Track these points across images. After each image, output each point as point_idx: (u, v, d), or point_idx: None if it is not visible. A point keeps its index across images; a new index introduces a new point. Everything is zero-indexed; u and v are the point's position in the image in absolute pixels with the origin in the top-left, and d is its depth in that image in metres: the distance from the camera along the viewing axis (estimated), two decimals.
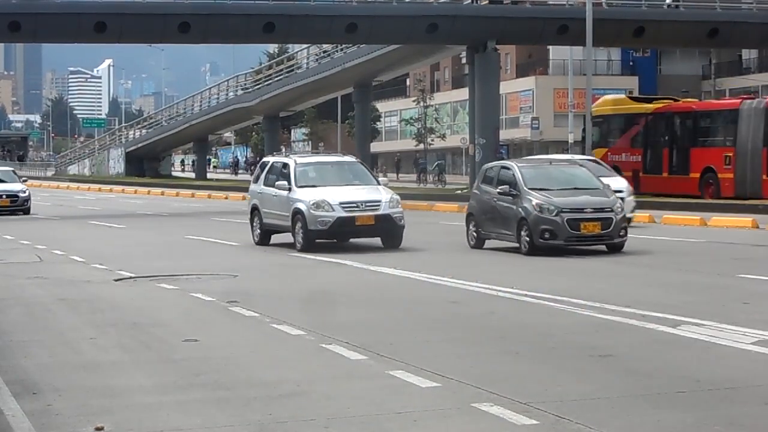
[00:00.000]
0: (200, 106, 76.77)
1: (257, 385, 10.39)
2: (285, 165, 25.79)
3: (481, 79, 49.74)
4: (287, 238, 25.53)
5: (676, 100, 46.53)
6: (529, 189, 22.59)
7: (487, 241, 24.37)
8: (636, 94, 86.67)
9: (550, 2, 55.25)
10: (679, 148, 43.30)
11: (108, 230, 33.55)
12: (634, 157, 45.09)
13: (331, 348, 12.19)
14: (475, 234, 24.34)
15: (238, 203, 52.90)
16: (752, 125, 39.72)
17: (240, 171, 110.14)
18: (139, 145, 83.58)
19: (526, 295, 16.38)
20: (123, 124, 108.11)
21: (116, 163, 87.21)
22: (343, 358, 11.66)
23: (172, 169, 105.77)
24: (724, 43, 58.48)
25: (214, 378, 10.74)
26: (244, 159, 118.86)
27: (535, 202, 22.22)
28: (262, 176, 26.68)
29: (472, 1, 50.84)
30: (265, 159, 28.41)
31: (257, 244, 26.19)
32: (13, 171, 48.55)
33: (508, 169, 23.71)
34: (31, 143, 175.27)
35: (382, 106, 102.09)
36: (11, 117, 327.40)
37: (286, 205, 24.73)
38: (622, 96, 50.84)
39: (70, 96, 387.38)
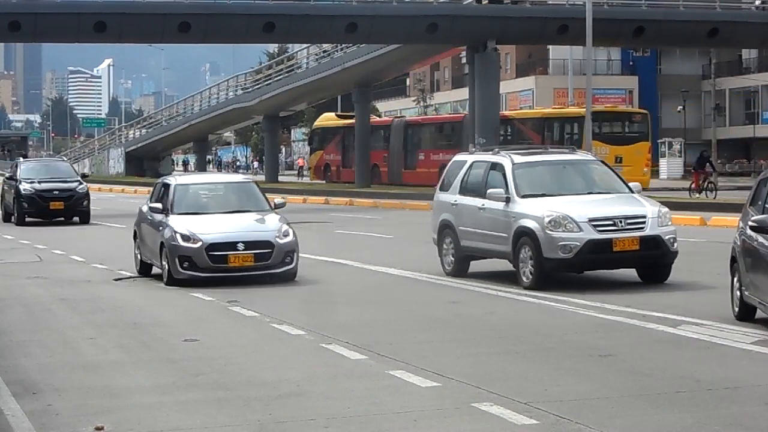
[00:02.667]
0: (200, 106, 76.66)
1: (257, 385, 10.40)
2: (495, 165, 18.62)
3: (481, 79, 49.70)
4: (491, 265, 19.07)
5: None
6: None
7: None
8: (636, 93, 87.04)
9: (550, 2, 55.20)
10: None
11: (108, 230, 33.54)
12: (337, 157, 65.90)
13: (331, 348, 12.20)
14: (738, 296, 13.49)
15: None
16: (397, 137, 60.49)
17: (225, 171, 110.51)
18: (139, 144, 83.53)
19: (526, 295, 16.38)
20: (123, 124, 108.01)
21: (116, 163, 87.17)
22: (343, 358, 11.67)
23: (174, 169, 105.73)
24: (724, 43, 58.48)
25: (214, 378, 10.75)
26: (232, 159, 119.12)
27: None
28: (457, 180, 19.57)
29: (475, 1, 50.79)
30: (457, 157, 20.57)
31: (449, 274, 19.12)
32: (255, 183, 21.08)
33: None
34: (31, 143, 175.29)
35: (382, 106, 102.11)
36: (11, 117, 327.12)
37: (503, 222, 17.83)
38: (332, 114, 70.16)
39: (70, 96, 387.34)
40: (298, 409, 9.37)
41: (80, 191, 36.13)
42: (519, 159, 18.52)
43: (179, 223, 18.62)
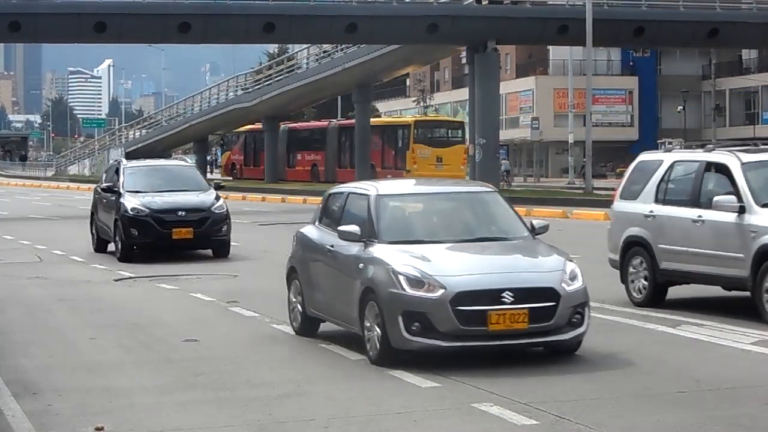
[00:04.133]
0: (200, 106, 76.66)
1: (257, 385, 10.40)
2: (713, 166, 14.52)
3: (481, 79, 49.71)
4: (685, 292, 15.68)
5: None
6: None
7: None
8: (636, 94, 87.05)
9: (550, 2, 55.23)
10: (256, 152, 74.64)
11: None
12: (240, 157, 77.82)
13: (331, 348, 12.20)
14: None
15: (238, 203, 52.89)
16: (282, 140, 70.55)
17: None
18: (139, 145, 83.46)
19: None
20: (123, 124, 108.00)
21: None
22: (343, 358, 11.67)
23: None
24: (724, 43, 58.49)
25: (214, 378, 10.75)
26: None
27: None
28: (650, 186, 15.30)
29: (475, 1, 50.79)
30: (645, 157, 15.99)
31: (639, 304, 15.15)
32: (498, 192, 12.94)
33: None
34: (31, 143, 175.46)
35: (382, 106, 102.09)
36: (11, 117, 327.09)
37: (736, 238, 13.82)
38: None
39: (70, 96, 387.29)
40: (298, 409, 9.37)
41: (217, 211, 23.54)
42: (748, 157, 14.29)
43: (398, 259, 11.19)
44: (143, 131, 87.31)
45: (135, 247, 23.39)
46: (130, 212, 23.21)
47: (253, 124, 74.85)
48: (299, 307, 13.13)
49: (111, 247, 24.41)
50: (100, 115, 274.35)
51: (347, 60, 57.33)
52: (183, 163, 27.11)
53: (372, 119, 67.18)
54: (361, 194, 12.46)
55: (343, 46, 58.18)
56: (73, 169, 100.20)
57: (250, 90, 68.82)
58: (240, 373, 10.97)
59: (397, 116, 70.42)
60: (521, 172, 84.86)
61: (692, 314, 13.97)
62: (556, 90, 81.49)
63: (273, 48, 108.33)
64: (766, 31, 51.30)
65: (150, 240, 23.30)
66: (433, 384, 10.16)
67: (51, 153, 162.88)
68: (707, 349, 11.78)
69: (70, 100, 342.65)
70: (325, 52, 62.38)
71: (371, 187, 12.44)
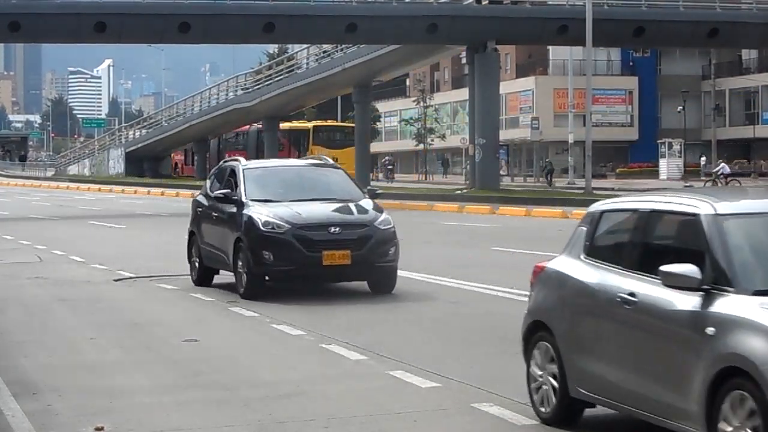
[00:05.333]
0: (200, 106, 76.75)
1: (257, 385, 10.40)
2: None
3: (481, 79, 49.75)
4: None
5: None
6: None
7: None
8: (636, 94, 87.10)
9: (550, 2, 55.27)
10: (195, 153, 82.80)
11: (108, 230, 33.52)
12: (181, 158, 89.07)
13: (331, 348, 12.19)
14: None
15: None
16: (214, 141, 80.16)
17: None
18: (139, 145, 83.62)
19: (526, 296, 16.35)
20: (123, 125, 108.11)
21: (116, 164, 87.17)
22: (343, 358, 11.66)
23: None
24: (724, 43, 58.58)
25: (214, 378, 10.75)
26: None
27: None
28: None
29: (475, 1, 50.80)
30: None
31: None
32: None
33: None
34: (31, 143, 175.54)
35: (382, 106, 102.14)
36: (11, 117, 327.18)
37: None
38: None
39: (70, 96, 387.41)
40: (298, 409, 9.37)
41: (382, 227, 16.93)
42: None
43: None
44: (143, 131, 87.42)
45: (267, 277, 16.84)
46: (263, 228, 16.57)
47: (252, 124, 75.50)
48: (553, 382, 8.69)
49: (219, 277, 18.51)
50: (100, 115, 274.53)
51: (347, 60, 57.35)
52: (323, 162, 19.24)
53: (281, 124, 73.29)
54: (677, 213, 7.78)
55: (343, 46, 58.20)
56: (73, 169, 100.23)
57: (250, 90, 68.87)
58: (240, 373, 10.97)
59: (301, 122, 77.26)
60: (521, 172, 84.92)
61: None
62: (556, 90, 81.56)
63: (273, 48, 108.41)
64: (766, 31, 51.37)
65: (291, 267, 16.57)
66: (433, 384, 10.16)
67: (51, 153, 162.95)
68: None
69: (70, 100, 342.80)
70: (325, 52, 62.42)
71: (699, 203, 7.58)
